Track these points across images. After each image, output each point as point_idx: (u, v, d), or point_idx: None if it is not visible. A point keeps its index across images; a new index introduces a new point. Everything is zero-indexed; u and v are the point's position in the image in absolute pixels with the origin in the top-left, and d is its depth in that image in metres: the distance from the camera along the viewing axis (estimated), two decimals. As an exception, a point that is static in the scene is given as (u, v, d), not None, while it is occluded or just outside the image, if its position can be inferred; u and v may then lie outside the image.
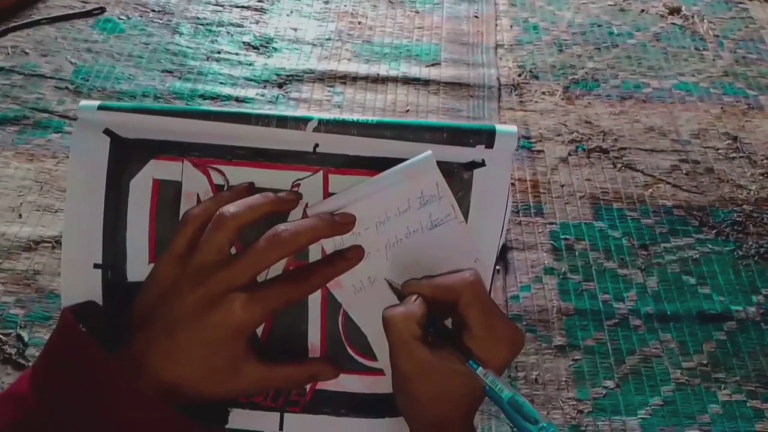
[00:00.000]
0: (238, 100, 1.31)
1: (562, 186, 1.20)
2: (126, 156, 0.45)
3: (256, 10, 1.52)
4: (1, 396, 0.40)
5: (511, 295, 1.05)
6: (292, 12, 1.52)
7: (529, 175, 1.21)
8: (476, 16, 1.54)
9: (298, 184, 0.45)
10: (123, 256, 0.45)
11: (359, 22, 1.51)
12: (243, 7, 1.52)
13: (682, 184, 1.21)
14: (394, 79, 1.37)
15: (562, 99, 1.35)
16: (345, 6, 1.55)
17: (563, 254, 1.10)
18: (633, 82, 1.39)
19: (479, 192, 0.45)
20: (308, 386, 0.47)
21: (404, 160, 0.44)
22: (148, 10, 1.48)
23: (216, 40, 1.43)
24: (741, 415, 0.94)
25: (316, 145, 0.45)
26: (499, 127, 0.45)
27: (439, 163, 0.44)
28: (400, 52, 1.44)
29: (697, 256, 1.11)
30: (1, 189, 1.13)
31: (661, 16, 1.55)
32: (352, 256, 0.44)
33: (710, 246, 1.13)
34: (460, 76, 1.39)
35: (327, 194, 0.45)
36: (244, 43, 1.43)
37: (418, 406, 0.43)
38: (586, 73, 1.41)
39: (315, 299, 0.46)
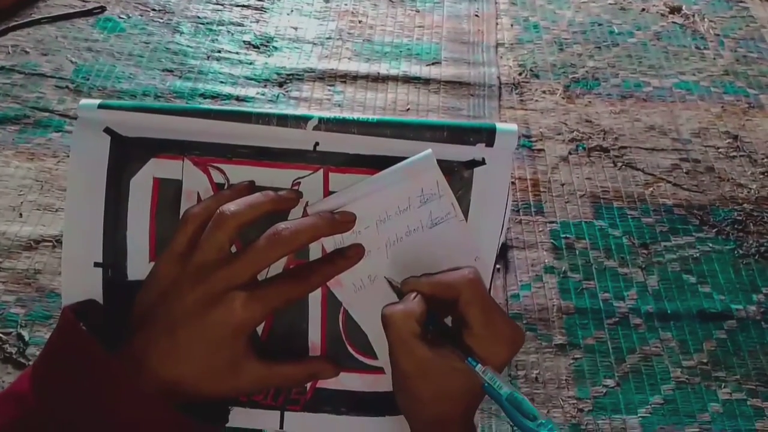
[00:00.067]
0: (238, 99, 1.31)
1: (563, 185, 1.20)
2: (126, 154, 0.45)
3: (256, 9, 1.51)
4: (2, 395, 0.40)
5: (511, 293, 1.05)
6: (292, 11, 1.52)
7: (530, 174, 1.21)
8: (477, 15, 1.54)
9: (299, 183, 0.45)
10: (123, 254, 0.45)
11: (360, 21, 1.51)
12: (243, 6, 1.52)
13: (683, 182, 1.21)
14: (395, 78, 1.37)
15: (563, 98, 1.35)
16: (345, 5, 1.55)
17: (563, 253, 1.10)
18: (633, 81, 1.39)
19: (479, 190, 0.45)
20: (309, 385, 0.47)
21: (404, 158, 0.44)
22: (149, 9, 1.48)
23: (216, 39, 1.43)
24: (741, 413, 0.94)
25: (317, 144, 0.45)
26: (499, 125, 0.45)
27: (440, 162, 0.44)
28: (401, 51, 1.44)
29: (698, 254, 1.11)
30: (1, 188, 1.13)
31: (662, 15, 1.55)
32: (352, 254, 0.44)
33: (711, 245, 1.13)
34: (461, 75, 1.39)
35: (327, 193, 0.45)
36: (244, 42, 1.43)
37: (418, 404, 0.43)
38: (587, 71, 1.41)
39: (315, 298, 0.46)
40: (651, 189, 1.20)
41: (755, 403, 0.96)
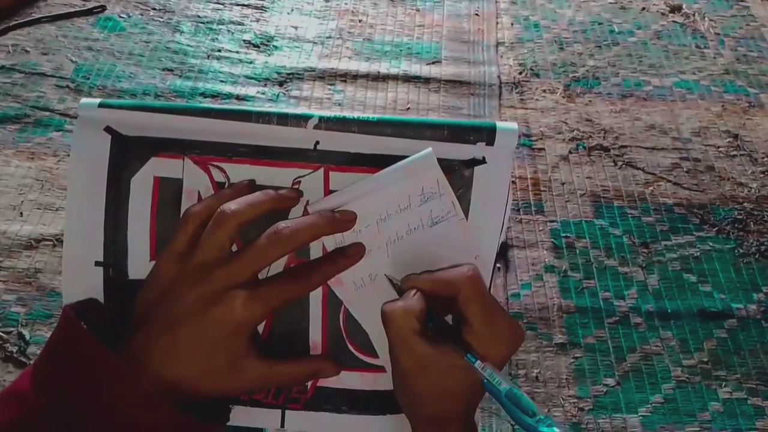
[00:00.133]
0: (238, 98, 1.31)
1: (563, 184, 1.20)
2: (127, 154, 0.45)
3: (256, 8, 1.52)
4: (3, 394, 0.40)
5: (511, 292, 1.05)
6: (292, 10, 1.52)
7: (530, 173, 1.21)
8: (477, 14, 1.54)
9: (299, 182, 0.45)
10: (124, 253, 0.45)
11: (360, 20, 1.51)
12: (243, 5, 1.52)
13: (683, 182, 1.21)
14: (395, 77, 1.37)
15: (563, 97, 1.35)
16: (345, 4, 1.55)
17: (564, 252, 1.10)
18: (634, 80, 1.39)
19: (480, 189, 0.45)
20: (309, 383, 0.47)
21: (405, 157, 0.44)
22: (149, 9, 1.48)
23: (216, 39, 1.43)
24: (742, 412, 0.95)
25: (317, 143, 0.45)
26: (499, 124, 0.45)
27: (440, 161, 0.44)
28: (401, 50, 1.44)
29: (698, 254, 1.11)
30: (2, 187, 1.13)
31: (662, 14, 1.55)
32: (353, 253, 0.44)
33: (711, 244, 1.13)
34: (461, 74, 1.39)
35: (328, 192, 0.45)
36: (244, 41, 1.43)
37: (419, 401, 0.43)
38: (587, 71, 1.41)
39: (316, 296, 0.46)
40: (651, 188, 1.20)
41: (756, 402, 0.96)
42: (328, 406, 0.47)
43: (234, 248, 0.42)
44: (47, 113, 1.25)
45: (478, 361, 0.40)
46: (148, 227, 0.45)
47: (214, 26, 1.46)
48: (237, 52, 1.40)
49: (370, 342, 0.46)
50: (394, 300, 0.42)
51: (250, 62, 1.38)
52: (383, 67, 1.39)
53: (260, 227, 0.41)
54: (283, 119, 0.44)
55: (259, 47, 1.42)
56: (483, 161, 0.45)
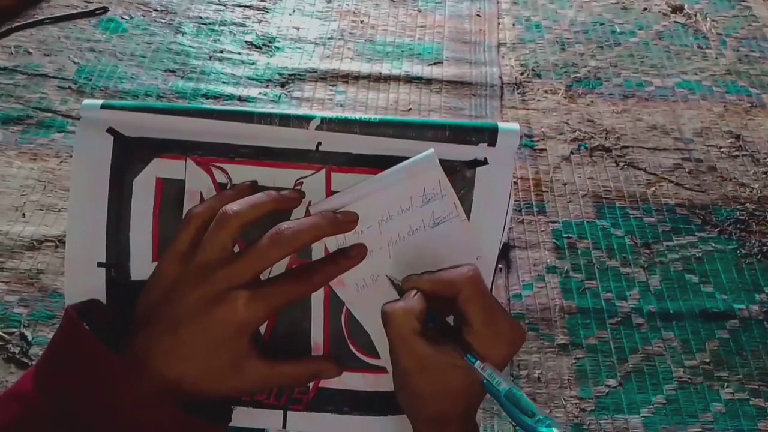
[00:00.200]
0: (240, 99, 1.31)
1: (565, 184, 1.20)
2: (129, 155, 0.45)
3: (258, 9, 1.52)
4: (5, 394, 0.40)
5: (513, 293, 1.05)
6: (294, 11, 1.52)
7: (532, 174, 1.21)
8: (478, 15, 1.54)
9: (301, 183, 0.45)
10: (126, 254, 0.45)
11: (361, 21, 1.51)
12: (245, 6, 1.52)
13: (685, 182, 1.21)
14: (397, 78, 1.37)
15: (565, 97, 1.35)
16: (347, 5, 1.55)
17: (566, 253, 1.10)
18: (635, 81, 1.39)
19: (481, 190, 0.45)
20: (311, 384, 0.47)
21: (407, 158, 0.44)
22: (151, 10, 1.49)
23: (218, 40, 1.43)
24: (744, 413, 0.94)
25: (319, 144, 0.45)
26: (501, 125, 0.45)
27: (442, 161, 0.44)
28: (403, 51, 1.44)
29: (700, 254, 1.11)
30: (4, 188, 1.13)
31: (664, 14, 1.55)
32: (354, 254, 0.44)
33: (713, 244, 1.13)
34: (463, 75, 1.39)
35: (330, 192, 0.45)
36: (246, 42, 1.43)
37: (419, 401, 0.43)
38: (589, 71, 1.41)
39: (318, 297, 0.46)
40: (653, 188, 1.20)
41: (758, 403, 0.95)
42: (330, 406, 0.47)
43: (236, 249, 0.42)
44: (49, 114, 1.25)
45: (478, 362, 0.40)
46: (151, 228, 0.45)
47: (216, 27, 1.46)
48: (239, 53, 1.41)
49: (372, 343, 0.47)
50: (394, 300, 0.42)
51: (252, 63, 1.38)
52: (385, 68, 1.39)
53: (262, 228, 0.41)
54: (285, 120, 0.44)
55: (260, 48, 1.42)
56: (485, 162, 0.45)
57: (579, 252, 1.11)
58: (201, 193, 0.45)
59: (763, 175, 1.23)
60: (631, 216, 1.16)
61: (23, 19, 1.41)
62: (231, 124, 0.44)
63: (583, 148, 1.26)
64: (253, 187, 0.45)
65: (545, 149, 1.25)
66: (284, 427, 0.47)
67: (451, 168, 0.45)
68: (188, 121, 0.44)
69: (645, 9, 1.56)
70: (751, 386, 0.97)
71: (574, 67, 1.42)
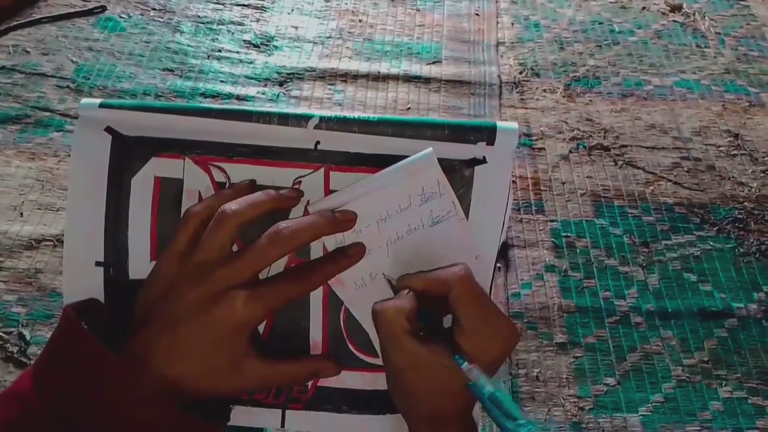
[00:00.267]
0: (239, 98, 1.31)
1: (563, 183, 1.20)
2: (127, 154, 0.45)
3: (256, 8, 1.52)
4: (4, 394, 0.40)
5: (512, 292, 1.05)
6: (292, 10, 1.52)
7: (530, 173, 1.21)
8: (477, 14, 1.54)
9: (300, 182, 0.45)
10: (125, 253, 0.45)
11: (360, 20, 1.51)
12: (244, 5, 1.52)
13: (684, 181, 1.21)
14: (395, 77, 1.37)
15: (563, 96, 1.35)
16: (346, 4, 1.55)
17: (564, 251, 1.10)
18: (634, 80, 1.39)
19: (480, 189, 0.45)
20: (310, 383, 0.47)
21: (405, 157, 0.44)
22: (149, 9, 1.48)
23: (217, 39, 1.43)
24: (742, 412, 0.95)
25: (318, 143, 0.45)
26: (500, 124, 0.45)
27: (440, 160, 0.44)
28: (401, 50, 1.44)
29: (698, 253, 1.11)
30: (2, 188, 1.13)
31: (663, 13, 1.55)
32: (353, 253, 0.44)
33: (711, 243, 1.13)
34: (461, 74, 1.39)
35: (328, 191, 0.45)
36: (244, 41, 1.43)
37: (413, 400, 0.43)
38: (587, 70, 1.41)
39: (316, 296, 0.46)
40: (652, 187, 1.20)
41: (756, 402, 0.96)
42: (329, 405, 0.47)
43: (235, 248, 0.42)
44: (48, 113, 1.25)
45: (465, 363, 0.40)
46: (149, 227, 0.45)
47: (215, 26, 1.46)
48: (237, 52, 1.40)
49: (371, 342, 0.46)
50: (385, 299, 0.42)
51: (251, 62, 1.38)
52: (383, 67, 1.39)
53: (261, 227, 0.41)
54: (284, 119, 0.44)
55: (259, 47, 1.42)
56: (483, 161, 0.45)
57: (578, 251, 1.11)
58: (199, 192, 0.45)
59: (762, 174, 1.23)
60: (630, 215, 1.16)
61: (21, 18, 1.41)
62: (229, 123, 0.44)
63: (581, 147, 1.26)
64: (252, 186, 0.45)
65: (544, 148, 1.25)
66: (283, 426, 0.47)
67: (449, 167, 0.45)
68: (186, 120, 0.44)
69: (644, 8, 1.56)
70: (749, 385, 0.97)
71: (572, 66, 1.42)
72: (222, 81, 1.34)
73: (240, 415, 0.46)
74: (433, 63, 1.41)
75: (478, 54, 1.44)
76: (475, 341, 0.41)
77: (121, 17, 1.46)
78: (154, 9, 1.48)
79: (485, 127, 0.45)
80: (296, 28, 1.47)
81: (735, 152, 1.26)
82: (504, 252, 1.09)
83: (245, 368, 0.41)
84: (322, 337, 0.46)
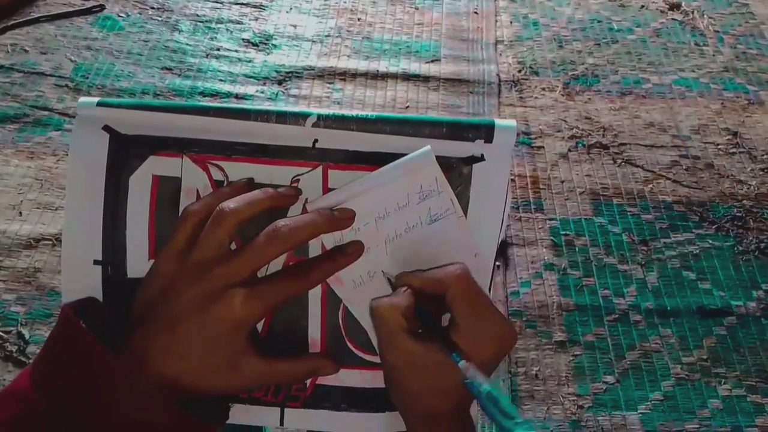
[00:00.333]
0: (237, 97, 1.31)
1: (562, 182, 1.20)
2: (125, 152, 0.45)
3: (255, 6, 1.51)
4: (3, 393, 0.40)
5: (511, 290, 1.05)
6: (291, 9, 1.52)
7: (529, 171, 1.21)
8: (476, 12, 1.54)
9: (298, 180, 0.45)
10: (123, 252, 0.45)
11: (359, 19, 1.50)
12: (242, 4, 1.52)
13: (682, 179, 1.21)
14: (394, 76, 1.37)
15: (562, 95, 1.35)
16: (344, 3, 1.55)
17: (563, 250, 1.10)
18: (633, 78, 1.39)
19: (478, 186, 0.45)
20: (308, 381, 0.47)
21: (403, 155, 0.44)
22: (148, 8, 1.48)
23: (215, 37, 1.43)
24: (741, 409, 0.95)
25: (316, 141, 0.45)
26: (498, 121, 0.45)
27: (439, 158, 0.44)
28: (400, 49, 1.44)
29: (697, 251, 1.11)
30: (1, 187, 1.13)
31: (661, 11, 1.55)
32: (351, 251, 0.44)
33: (710, 241, 1.13)
34: (460, 73, 1.39)
35: (326, 190, 0.45)
36: (243, 40, 1.43)
37: (410, 398, 0.43)
38: (586, 68, 1.41)
39: (315, 294, 0.46)
40: (650, 186, 1.20)
41: (755, 399, 0.96)
42: (328, 403, 0.47)
43: (233, 246, 0.42)
44: (46, 112, 1.25)
45: (462, 362, 0.40)
46: (147, 226, 0.45)
47: (213, 25, 1.46)
48: (236, 50, 1.40)
49: (370, 340, 0.46)
50: (382, 296, 0.42)
51: (249, 61, 1.38)
52: (382, 65, 1.39)
53: (259, 225, 0.41)
54: (282, 117, 0.44)
55: (258, 46, 1.42)
56: (482, 158, 0.45)
57: (576, 249, 1.11)
58: (197, 191, 0.45)
59: (761, 172, 1.23)
60: (629, 213, 1.16)
61: (20, 16, 1.41)
62: (228, 121, 0.44)
63: (580, 145, 1.26)
64: (250, 185, 0.45)
65: (543, 147, 1.25)
66: (282, 424, 0.47)
67: (447, 164, 0.44)
68: (185, 119, 0.44)
69: (642, 6, 1.56)
70: (748, 383, 0.97)
71: (571, 64, 1.42)
72: (221, 80, 1.33)
73: (239, 414, 0.46)
74: (432, 61, 1.41)
75: (477, 52, 1.44)
76: (472, 340, 0.41)
77: (119, 16, 1.45)
78: (153, 8, 1.48)
79: (483, 124, 0.45)
80: (295, 26, 1.47)
81: (734, 150, 1.26)
82: (503, 250, 1.09)
83: (244, 366, 0.41)
84: (320, 335, 0.46)
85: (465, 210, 0.45)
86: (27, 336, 0.96)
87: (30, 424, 0.38)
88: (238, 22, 1.47)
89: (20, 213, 1.09)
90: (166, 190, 0.45)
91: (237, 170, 0.45)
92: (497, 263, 1.05)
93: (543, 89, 1.36)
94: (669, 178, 1.21)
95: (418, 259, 0.44)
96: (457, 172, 0.45)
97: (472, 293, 0.41)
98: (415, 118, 0.45)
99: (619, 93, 1.36)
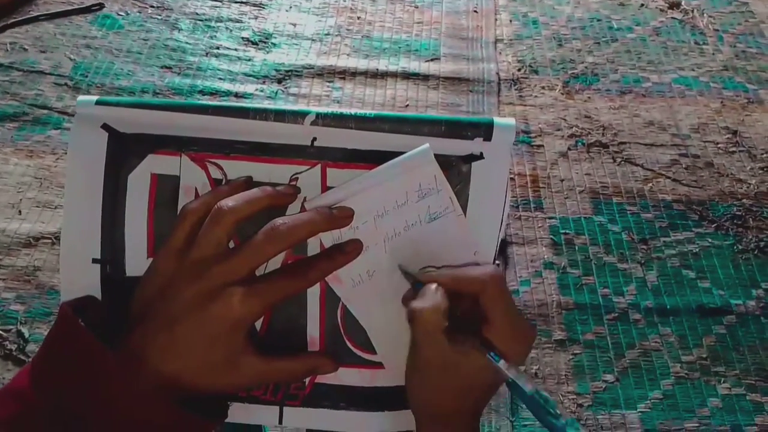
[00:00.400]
0: (237, 95, 1.31)
1: (562, 180, 1.20)
2: (124, 151, 0.45)
3: (254, 5, 1.51)
4: (2, 391, 0.40)
5: (511, 289, 1.05)
6: (291, 7, 1.52)
7: (529, 170, 1.21)
8: (476, 11, 1.54)
9: (296, 178, 0.45)
10: (121, 250, 0.45)
11: (358, 17, 1.50)
12: (242, 2, 1.52)
13: (682, 178, 1.21)
14: (394, 74, 1.37)
15: (562, 93, 1.35)
16: (344, 1, 1.54)
17: (563, 249, 1.10)
18: (633, 77, 1.39)
19: (478, 185, 0.45)
20: (307, 380, 0.47)
21: (402, 153, 0.44)
22: (147, 6, 1.48)
23: (215, 36, 1.43)
24: (740, 408, 0.95)
25: (314, 139, 0.45)
26: (497, 119, 0.45)
27: (438, 156, 0.44)
28: (400, 47, 1.43)
29: (697, 250, 1.11)
30: (1, 185, 1.13)
31: (661, 10, 1.55)
32: (350, 249, 0.44)
33: (710, 240, 1.13)
34: (460, 71, 1.39)
35: (325, 188, 0.45)
36: (243, 38, 1.43)
37: (432, 395, 0.43)
38: (586, 67, 1.41)
39: (314, 293, 0.46)
40: (650, 184, 1.20)
41: (754, 398, 0.96)
42: (327, 402, 0.47)
43: (231, 245, 0.41)
44: (46, 111, 1.25)
45: (502, 361, 0.40)
46: (146, 224, 0.45)
47: (213, 23, 1.46)
48: (235, 49, 1.40)
49: (368, 338, 0.46)
50: (418, 297, 0.41)
51: (249, 59, 1.38)
52: (382, 64, 1.39)
53: (257, 224, 0.41)
54: (281, 116, 0.44)
55: (257, 44, 1.42)
56: (481, 157, 0.45)
57: (576, 248, 1.11)
58: (196, 189, 0.45)
59: (760, 171, 1.23)
60: (629, 212, 1.16)
61: (19, 15, 1.41)
62: (226, 119, 0.44)
63: (580, 144, 1.26)
64: (249, 183, 0.44)
65: (542, 145, 1.25)
66: (280, 422, 0.47)
67: (447, 163, 0.44)
68: (183, 117, 0.44)
69: (642, 5, 1.56)
70: (747, 381, 0.97)
71: (571, 63, 1.42)
72: (220, 78, 1.33)
73: (237, 412, 0.46)
74: (432, 60, 1.41)
75: (477, 51, 1.44)
76: (504, 340, 0.41)
77: (119, 14, 1.45)
78: (152, 6, 1.48)
79: (482, 123, 0.45)
80: (294, 25, 1.47)
81: (733, 149, 1.26)
82: (503, 249, 1.09)
83: (243, 365, 0.41)
84: (319, 333, 0.46)
85: (464, 208, 0.45)
86: (26, 334, 0.96)
87: (29, 423, 0.38)
88: (238, 21, 1.47)
89: (19, 211, 1.09)
90: (165, 188, 0.45)
91: (235, 169, 0.45)
92: (497, 262, 1.05)
93: (542, 88, 1.36)
94: (669, 177, 1.21)
95: (417, 258, 0.44)
96: (456, 171, 0.45)
97: (506, 293, 0.42)
98: (415, 116, 0.45)
99: (618, 92, 1.36)
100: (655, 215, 1.16)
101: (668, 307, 1.04)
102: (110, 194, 0.45)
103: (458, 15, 1.53)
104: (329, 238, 0.44)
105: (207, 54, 1.38)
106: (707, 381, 0.97)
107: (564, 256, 1.09)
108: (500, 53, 1.44)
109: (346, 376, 0.47)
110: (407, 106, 1.31)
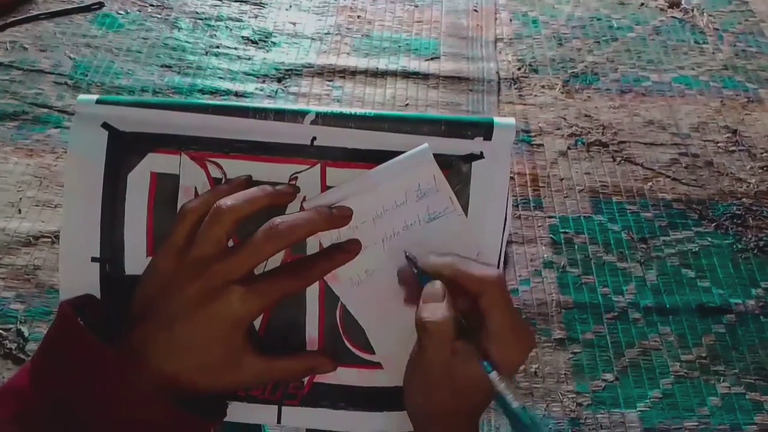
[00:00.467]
0: (237, 94, 1.31)
1: (562, 180, 1.20)
2: (124, 149, 0.45)
3: (254, 4, 1.51)
4: (1, 390, 0.40)
5: (510, 288, 1.05)
6: (291, 6, 1.52)
7: (529, 169, 1.21)
8: (475, 10, 1.54)
9: (296, 177, 0.45)
10: (121, 249, 0.45)
11: (358, 17, 1.50)
12: (242, 1, 1.52)
13: (682, 177, 1.21)
14: (394, 74, 1.37)
15: (562, 93, 1.35)
16: (344, 0, 1.54)
17: (562, 248, 1.10)
18: (632, 76, 1.39)
19: (478, 184, 0.45)
20: (306, 379, 0.47)
21: (402, 153, 0.44)
22: (147, 5, 1.48)
23: (215, 35, 1.43)
24: (740, 407, 0.95)
25: (314, 138, 0.45)
26: (497, 119, 0.45)
27: (437, 156, 0.44)
28: (400, 46, 1.43)
29: (697, 249, 1.11)
30: (0, 184, 1.13)
31: (661, 9, 1.55)
32: (349, 249, 0.44)
33: (710, 239, 1.13)
34: (460, 70, 1.39)
35: (324, 187, 0.45)
36: (243, 37, 1.43)
37: (431, 396, 0.42)
38: (586, 66, 1.41)
39: (313, 292, 0.46)
40: (650, 184, 1.20)
41: (754, 397, 0.96)
42: (325, 401, 0.47)
43: (231, 244, 0.42)
44: (45, 110, 1.25)
45: (494, 372, 0.39)
46: (145, 223, 0.45)
47: (213, 23, 1.46)
48: (235, 48, 1.40)
49: (367, 338, 0.46)
50: (432, 308, 0.40)
51: (249, 59, 1.38)
52: (382, 63, 1.39)
53: (257, 223, 0.41)
54: (280, 115, 0.44)
55: (257, 43, 1.42)
56: (481, 156, 0.45)
57: (576, 247, 1.11)
58: (195, 188, 0.45)
59: (760, 170, 1.23)
60: (628, 211, 1.16)
61: (19, 14, 1.41)
62: (226, 119, 0.44)
63: (580, 143, 1.26)
64: (248, 182, 0.44)
65: (542, 144, 1.25)
66: (279, 422, 0.47)
67: (447, 162, 0.44)
68: (183, 116, 0.44)
69: (642, 4, 1.56)
70: (747, 380, 0.97)
71: (571, 62, 1.41)
72: (220, 77, 1.33)
73: (236, 412, 0.46)
74: (432, 59, 1.41)
75: (477, 50, 1.43)
76: (502, 347, 0.40)
77: (118, 14, 1.45)
78: (152, 5, 1.48)
79: (482, 122, 0.45)
80: (294, 24, 1.47)
81: (733, 148, 1.26)
82: (502, 248, 1.09)
83: (242, 364, 0.41)
84: (318, 333, 0.46)
85: (465, 209, 0.45)
86: (26, 333, 0.96)
87: (29, 422, 0.38)
88: (238, 20, 1.47)
89: (19, 210, 1.09)
90: (165, 187, 0.45)
91: (235, 168, 0.45)
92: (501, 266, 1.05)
93: (542, 87, 1.36)
94: (668, 176, 1.21)
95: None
96: (457, 170, 0.45)
97: (507, 300, 0.40)
98: (414, 115, 0.45)
99: (618, 91, 1.36)
100: (655, 214, 1.16)
101: (668, 306, 1.04)
102: (110, 193, 0.45)
103: (458, 14, 1.53)
104: (328, 237, 0.44)
105: (207, 53, 1.38)
106: (707, 380, 0.97)
107: (564, 255, 1.09)
108: (500, 52, 1.44)
109: (345, 376, 0.47)
110: (407, 105, 1.31)
